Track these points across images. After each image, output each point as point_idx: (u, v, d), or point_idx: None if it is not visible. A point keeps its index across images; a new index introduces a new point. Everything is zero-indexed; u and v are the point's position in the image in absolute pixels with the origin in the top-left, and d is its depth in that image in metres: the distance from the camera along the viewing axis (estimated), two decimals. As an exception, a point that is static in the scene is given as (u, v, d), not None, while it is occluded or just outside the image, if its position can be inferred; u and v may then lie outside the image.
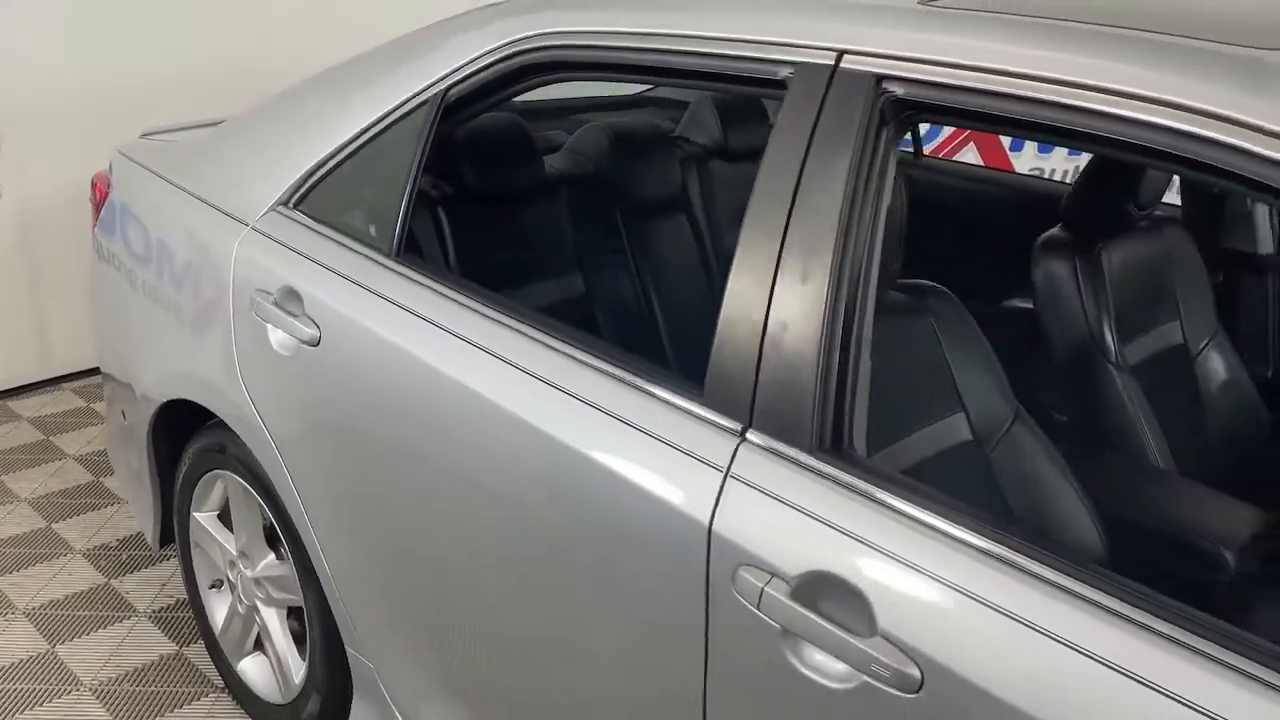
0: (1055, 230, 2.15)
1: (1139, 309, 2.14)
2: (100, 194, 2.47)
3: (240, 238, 1.96)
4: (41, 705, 2.35)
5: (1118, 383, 2.04)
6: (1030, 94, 1.16)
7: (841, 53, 1.30)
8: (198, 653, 2.48)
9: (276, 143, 2.04)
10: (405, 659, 1.80)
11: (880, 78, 1.26)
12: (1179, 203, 2.57)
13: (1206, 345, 2.23)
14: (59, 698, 2.37)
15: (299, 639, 2.13)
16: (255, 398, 1.92)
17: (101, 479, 3.28)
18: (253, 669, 2.27)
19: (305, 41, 3.61)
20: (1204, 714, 0.94)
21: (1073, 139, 1.16)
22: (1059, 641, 1.02)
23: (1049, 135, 1.18)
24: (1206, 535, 1.76)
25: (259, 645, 2.26)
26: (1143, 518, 1.79)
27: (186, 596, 2.46)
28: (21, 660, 2.48)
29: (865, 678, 1.12)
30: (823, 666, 1.17)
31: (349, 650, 1.92)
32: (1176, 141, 1.06)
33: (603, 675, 1.46)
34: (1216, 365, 2.23)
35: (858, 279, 1.25)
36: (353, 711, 1.97)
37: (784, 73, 1.34)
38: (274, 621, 2.17)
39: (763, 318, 1.28)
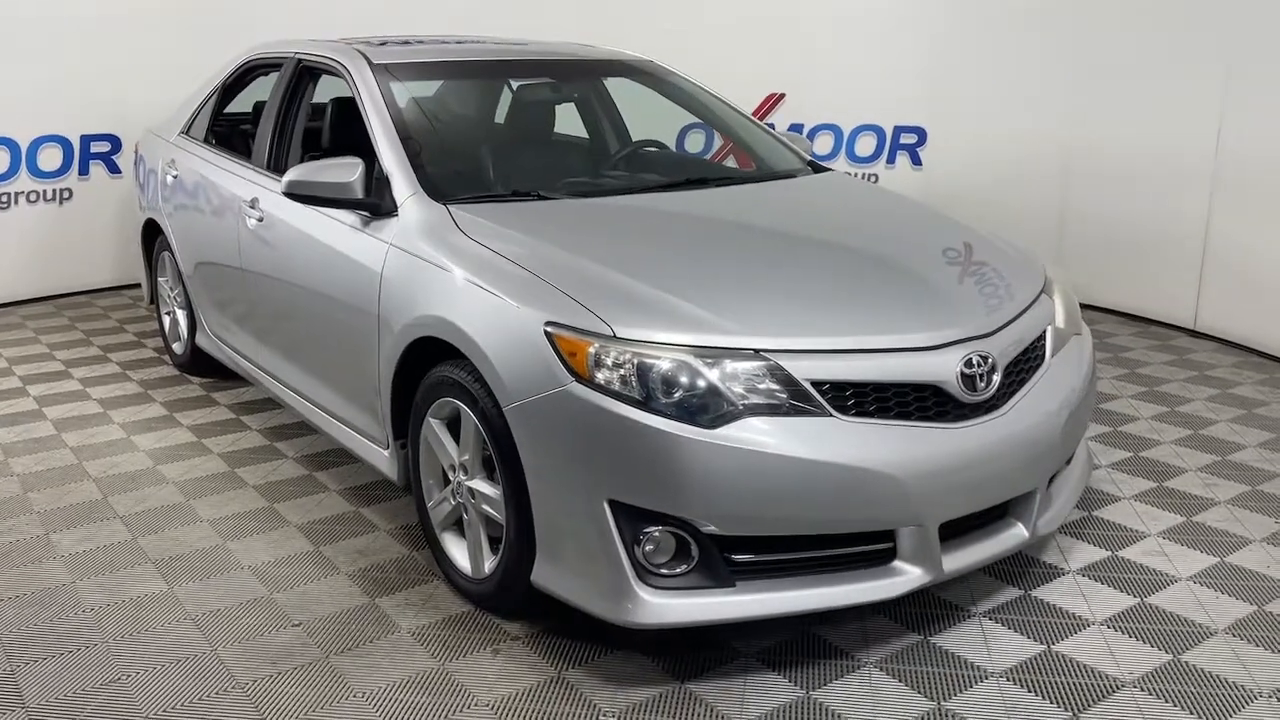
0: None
1: None
2: (137, 152, 5.52)
3: (167, 146, 4.94)
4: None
5: None
6: (317, 62, 3.98)
7: (296, 53, 4.15)
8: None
9: (185, 107, 5.02)
10: (205, 299, 4.65)
11: (300, 59, 4.10)
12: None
13: None
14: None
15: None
16: (164, 207, 4.86)
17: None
18: (175, 346, 5.18)
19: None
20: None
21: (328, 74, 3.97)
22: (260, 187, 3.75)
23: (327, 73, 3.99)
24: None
25: (177, 337, 5.17)
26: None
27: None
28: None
29: (260, 216, 3.90)
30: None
31: (193, 304, 4.79)
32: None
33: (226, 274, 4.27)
34: None
35: (290, 136, 4.05)
36: (196, 333, 4.84)
37: (284, 61, 4.20)
38: (181, 315, 5.07)
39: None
